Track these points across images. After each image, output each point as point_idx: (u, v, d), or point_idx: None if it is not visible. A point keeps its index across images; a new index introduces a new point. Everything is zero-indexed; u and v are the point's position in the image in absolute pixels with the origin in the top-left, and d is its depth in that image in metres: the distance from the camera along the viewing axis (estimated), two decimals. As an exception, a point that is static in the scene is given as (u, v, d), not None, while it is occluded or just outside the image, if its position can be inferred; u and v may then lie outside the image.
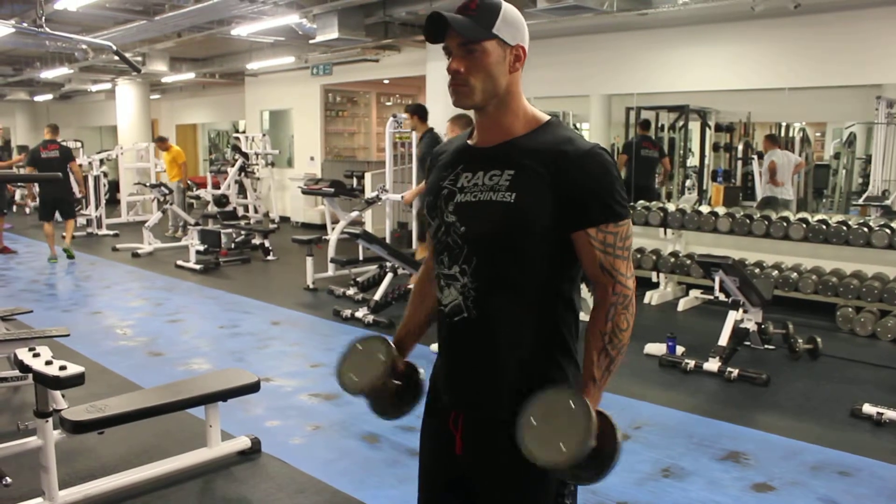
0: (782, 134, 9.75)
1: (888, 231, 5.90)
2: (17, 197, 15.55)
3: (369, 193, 9.14)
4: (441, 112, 8.56)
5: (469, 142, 1.68)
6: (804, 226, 6.30)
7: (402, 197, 7.41)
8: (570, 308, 1.63)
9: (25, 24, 7.41)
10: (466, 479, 1.66)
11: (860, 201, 7.73)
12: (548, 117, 1.63)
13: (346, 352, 1.79)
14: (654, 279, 7.39)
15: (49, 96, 18.39)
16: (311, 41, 8.98)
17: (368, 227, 9.43)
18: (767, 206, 7.89)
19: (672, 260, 7.14)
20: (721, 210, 6.99)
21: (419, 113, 6.98)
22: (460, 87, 1.56)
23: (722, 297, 5.32)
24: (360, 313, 6.33)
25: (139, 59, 11.56)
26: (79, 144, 14.73)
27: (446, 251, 1.62)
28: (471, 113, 1.67)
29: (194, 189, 13.22)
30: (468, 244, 1.58)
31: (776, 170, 8.23)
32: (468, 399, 1.64)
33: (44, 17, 5.97)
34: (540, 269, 1.56)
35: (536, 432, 1.45)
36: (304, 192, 9.71)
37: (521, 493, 1.59)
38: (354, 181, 11.55)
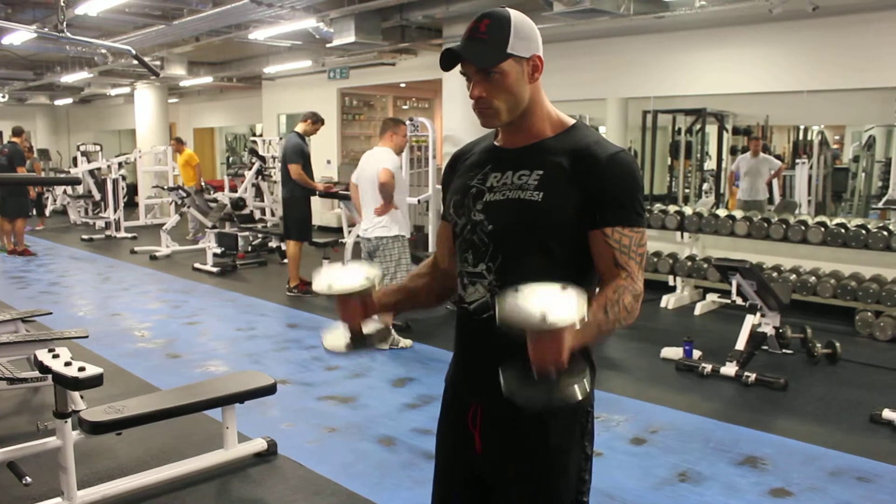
0: (801, 137, 9.70)
1: (908, 235, 5.84)
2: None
3: (385, 197, 9.14)
4: (459, 115, 8.59)
5: (496, 143, 1.70)
6: (822, 229, 6.25)
7: None
8: None
9: (47, 29, 7.49)
10: (484, 479, 1.67)
11: (880, 205, 7.68)
12: (573, 120, 1.66)
13: (324, 270, 1.73)
14: (671, 283, 7.34)
15: (69, 100, 18.57)
16: (327, 45, 9.02)
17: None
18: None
19: (689, 263, 7.10)
20: (738, 213, 6.95)
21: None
22: (486, 111, 1.58)
23: (739, 300, 5.28)
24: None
25: (158, 63, 11.65)
26: (98, 148, 14.88)
27: (471, 249, 1.64)
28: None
29: (211, 192, 13.30)
30: (494, 242, 1.60)
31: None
32: (491, 392, 1.60)
33: (65, 23, 6.03)
34: (563, 268, 1.56)
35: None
36: (320, 196, 9.74)
37: (540, 492, 1.59)
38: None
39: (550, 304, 1.31)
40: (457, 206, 1.69)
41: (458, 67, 1.59)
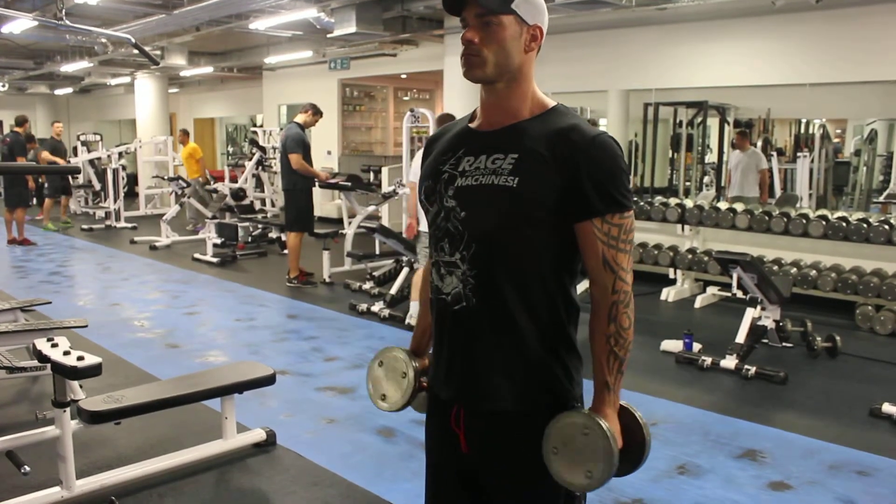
0: (802, 131, 9.67)
1: (910, 229, 5.83)
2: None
3: (386, 188, 9.15)
4: (459, 107, 8.55)
5: (471, 125, 1.65)
6: (824, 223, 6.23)
7: None
8: (570, 299, 1.58)
9: (46, 18, 7.46)
10: (474, 474, 1.64)
11: (881, 199, 7.66)
12: (554, 103, 1.59)
13: (369, 372, 1.83)
14: (672, 276, 7.34)
15: (69, 90, 18.54)
16: (328, 35, 8.98)
17: (385, 222, 9.43)
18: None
19: (689, 256, 7.09)
20: (739, 206, 6.93)
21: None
22: (472, 57, 1.53)
23: (740, 294, 5.28)
24: (375, 307, 6.34)
25: (158, 52, 11.62)
26: (98, 137, 14.85)
27: (447, 237, 1.58)
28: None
29: (212, 182, 13.30)
30: (468, 230, 1.54)
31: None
32: (469, 391, 1.60)
33: (64, 11, 6.01)
34: (540, 257, 1.52)
35: (561, 459, 1.48)
36: (321, 187, 9.74)
37: (531, 488, 1.57)
38: (371, 175, 11.57)
39: (591, 462, 1.47)
40: (429, 192, 1.64)
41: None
